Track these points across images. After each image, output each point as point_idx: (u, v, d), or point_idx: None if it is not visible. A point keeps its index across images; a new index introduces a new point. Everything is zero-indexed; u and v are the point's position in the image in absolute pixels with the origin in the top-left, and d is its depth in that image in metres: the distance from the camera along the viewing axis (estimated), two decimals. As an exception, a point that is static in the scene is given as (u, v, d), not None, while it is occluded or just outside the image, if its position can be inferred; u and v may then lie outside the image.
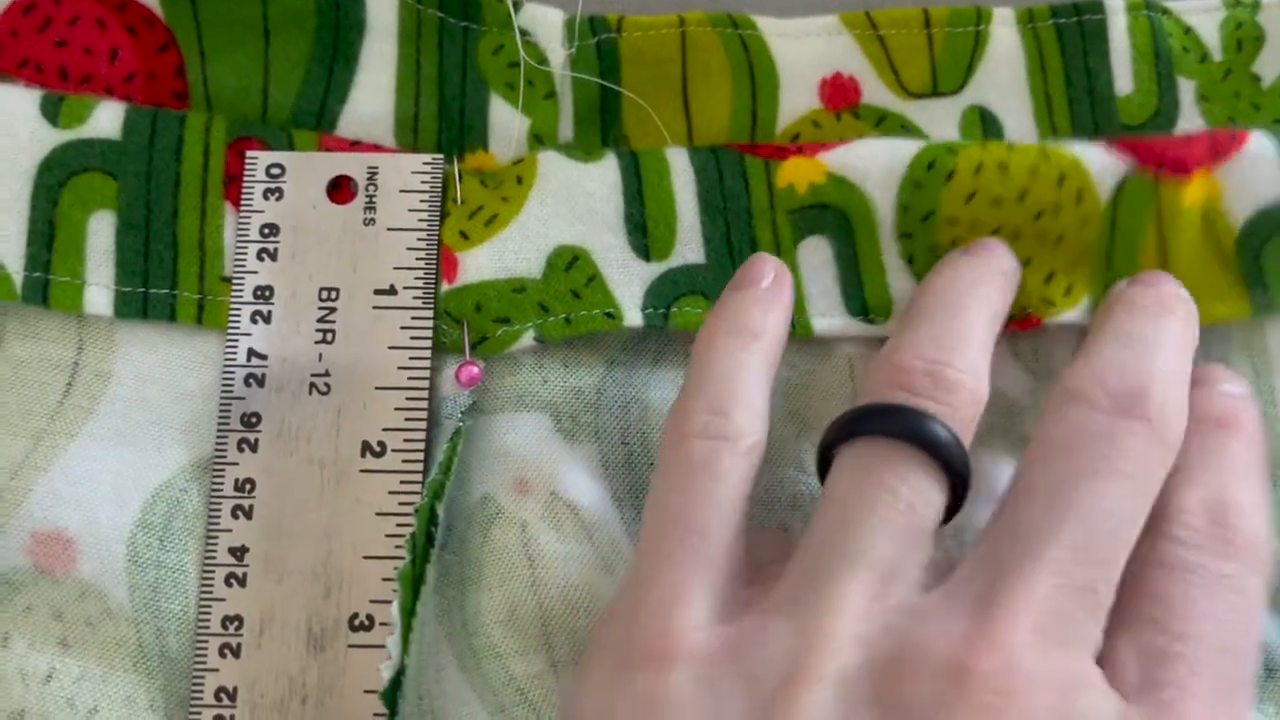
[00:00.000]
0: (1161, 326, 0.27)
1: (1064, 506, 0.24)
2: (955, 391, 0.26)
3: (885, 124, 0.32)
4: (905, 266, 0.30)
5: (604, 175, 0.30)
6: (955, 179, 0.30)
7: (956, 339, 0.27)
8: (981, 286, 0.28)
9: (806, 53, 0.32)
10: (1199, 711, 0.23)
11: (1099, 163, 0.30)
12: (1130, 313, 0.28)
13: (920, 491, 0.25)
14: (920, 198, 0.30)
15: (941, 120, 0.32)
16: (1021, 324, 0.30)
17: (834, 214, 0.30)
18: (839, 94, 0.32)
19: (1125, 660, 0.24)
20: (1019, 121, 0.32)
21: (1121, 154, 0.30)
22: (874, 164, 0.30)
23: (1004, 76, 0.32)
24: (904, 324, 0.28)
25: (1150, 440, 0.25)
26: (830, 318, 0.30)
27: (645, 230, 0.29)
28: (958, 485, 0.25)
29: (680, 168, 0.30)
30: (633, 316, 0.29)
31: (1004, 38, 0.32)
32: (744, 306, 0.27)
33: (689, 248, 0.30)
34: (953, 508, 0.26)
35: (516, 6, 0.31)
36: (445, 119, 0.31)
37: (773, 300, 0.28)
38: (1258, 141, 0.30)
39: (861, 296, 0.30)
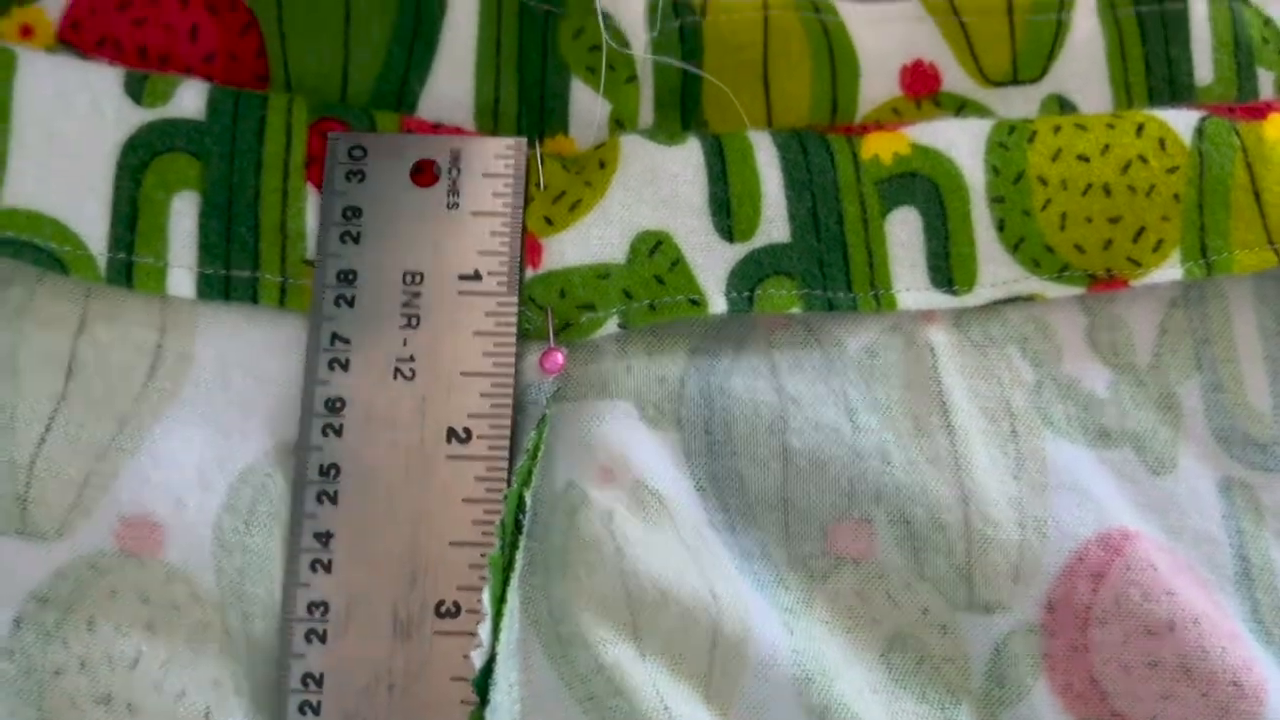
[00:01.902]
0: None
1: None
2: None
3: (965, 112, 0.32)
4: (995, 234, 0.30)
5: (687, 158, 0.30)
6: (1037, 139, 0.30)
7: None
8: None
9: (887, 39, 0.32)
10: None
11: (1172, 114, 0.30)
12: None
13: None
14: (1008, 159, 0.30)
15: (1021, 108, 0.32)
16: (1107, 284, 0.30)
17: (923, 182, 0.30)
18: (919, 81, 0.32)
19: None
20: (1098, 110, 0.32)
21: (1191, 109, 0.30)
22: (958, 134, 0.30)
23: (1084, 65, 0.32)
24: None
25: None
26: (915, 291, 0.30)
27: (729, 210, 0.29)
28: None
29: (764, 146, 0.30)
30: (717, 303, 0.29)
31: (1085, 25, 0.32)
32: None
33: (774, 226, 0.29)
34: None
35: (599, -11, 0.31)
36: (525, 102, 0.31)
37: None
38: None
39: (948, 268, 0.30)
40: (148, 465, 0.27)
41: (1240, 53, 0.32)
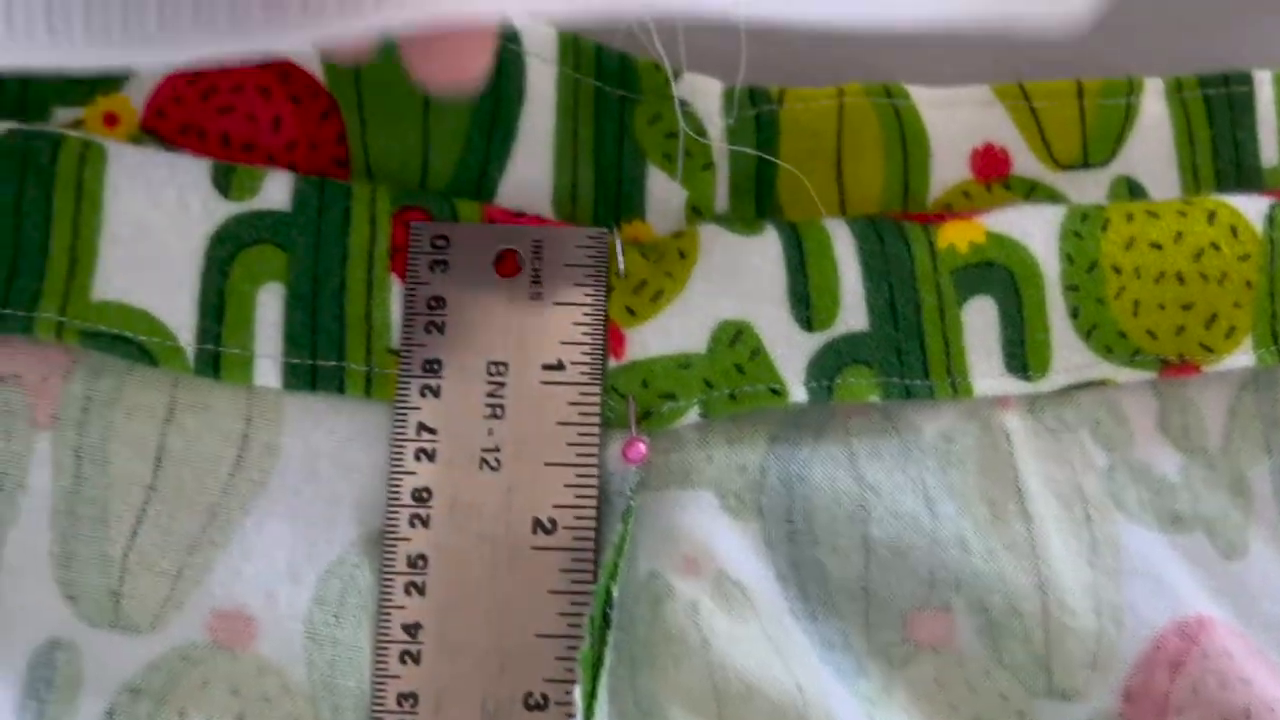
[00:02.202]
0: None
1: None
2: None
3: (1035, 195, 0.32)
4: (1070, 322, 0.30)
5: (765, 248, 0.30)
6: (1111, 227, 0.30)
7: None
8: None
9: (958, 122, 0.32)
10: None
11: (1242, 200, 0.31)
12: None
13: None
14: (1082, 247, 0.30)
15: (1091, 191, 0.32)
16: (1178, 370, 0.30)
17: (999, 271, 0.30)
18: (990, 164, 0.32)
19: None
20: (1166, 192, 0.32)
21: (1259, 196, 0.31)
22: (1032, 222, 0.30)
23: (1153, 148, 0.32)
24: None
25: None
26: (991, 378, 0.30)
27: (808, 301, 0.30)
28: None
29: (841, 236, 0.30)
30: (797, 392, 0.29)
31: (1153, 109, 0.32)
32: None
33: (852, 315, 0.30)
34: None
35: (675, 75, 0.31)
36: (602, 189, 0.31)
37: None
38: None
39: (1023, 355, 0.30)
40: (239, 558, 0.28)
41: None
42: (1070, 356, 0.30)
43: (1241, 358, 0.30)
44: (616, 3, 0.17)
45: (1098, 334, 0.30)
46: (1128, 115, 0.32)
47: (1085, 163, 0.32)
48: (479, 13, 0.17)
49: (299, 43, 0.19)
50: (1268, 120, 0.33)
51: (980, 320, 0.30)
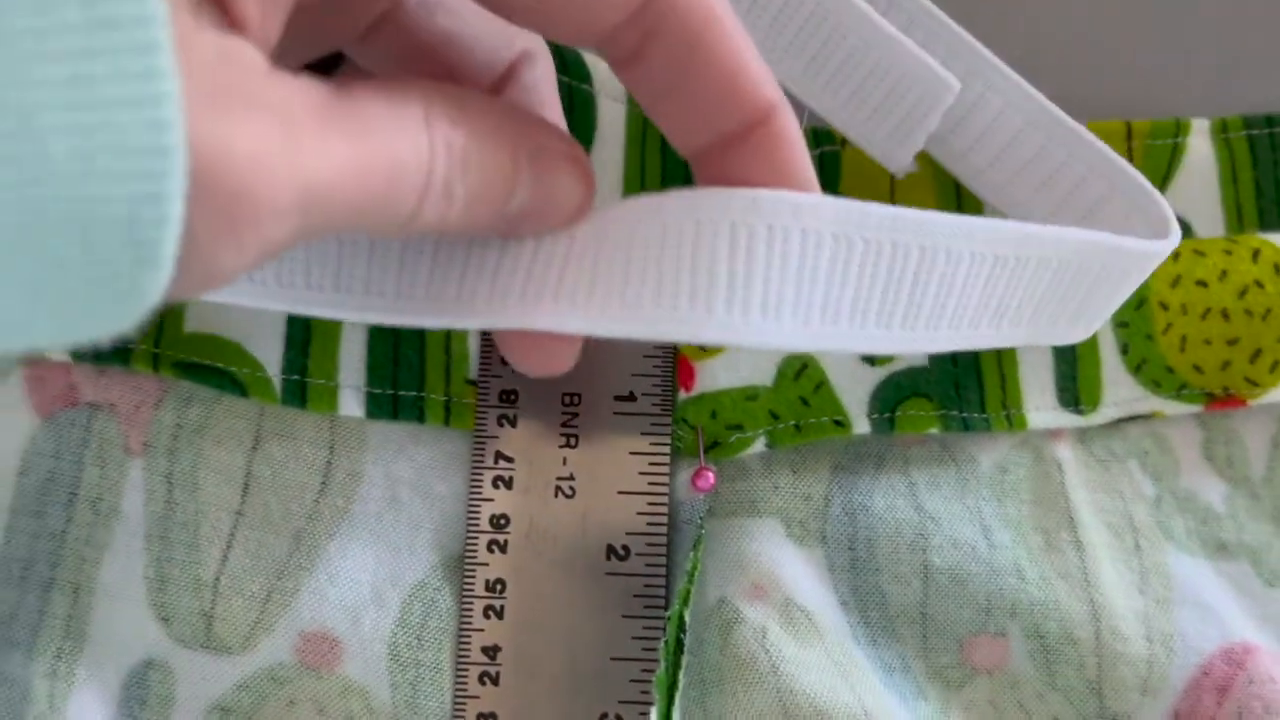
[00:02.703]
0: None
1: None
2: None
3: (1085, 232, 0.33)
4: (1120, 358, 0.31)
5: None
6: (1159, 265, 0.31)
7: None
8: None
9: None
10: None
11: None
12: None
13: None
14: None
15: (1139, 228, 0.33)
16: (1224, 403, 0.31)
17: None
18: (1042, 203, 0.33)
19: None
20: (1211, 230, 0.33)
21: None
22: None
23: (1198, 187, 0.33)
24: None
25: None
26: (1044, 412, 0.31)
27: None
28: None
29: None
30: (860, 424, 0.30)
31: (1199, 149, 0.33)
32: None
33: None
34: None
35: (740, 116, 0.32)
36: (669, 225, 0.32)
37: None
38: None
39: (1075, 390, 0.31)
40: (325, 582, 0.29)
41: None
42: (1120, 391, 0.31)
43: None
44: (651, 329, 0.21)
45: (1146, 369, 0.31)
46: (1174, 155, 0.33)
47: (1134, 201, 0.33)
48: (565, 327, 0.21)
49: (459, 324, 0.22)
50: (1310, 160, 0.34)
51: (1034, 356, 0.31)
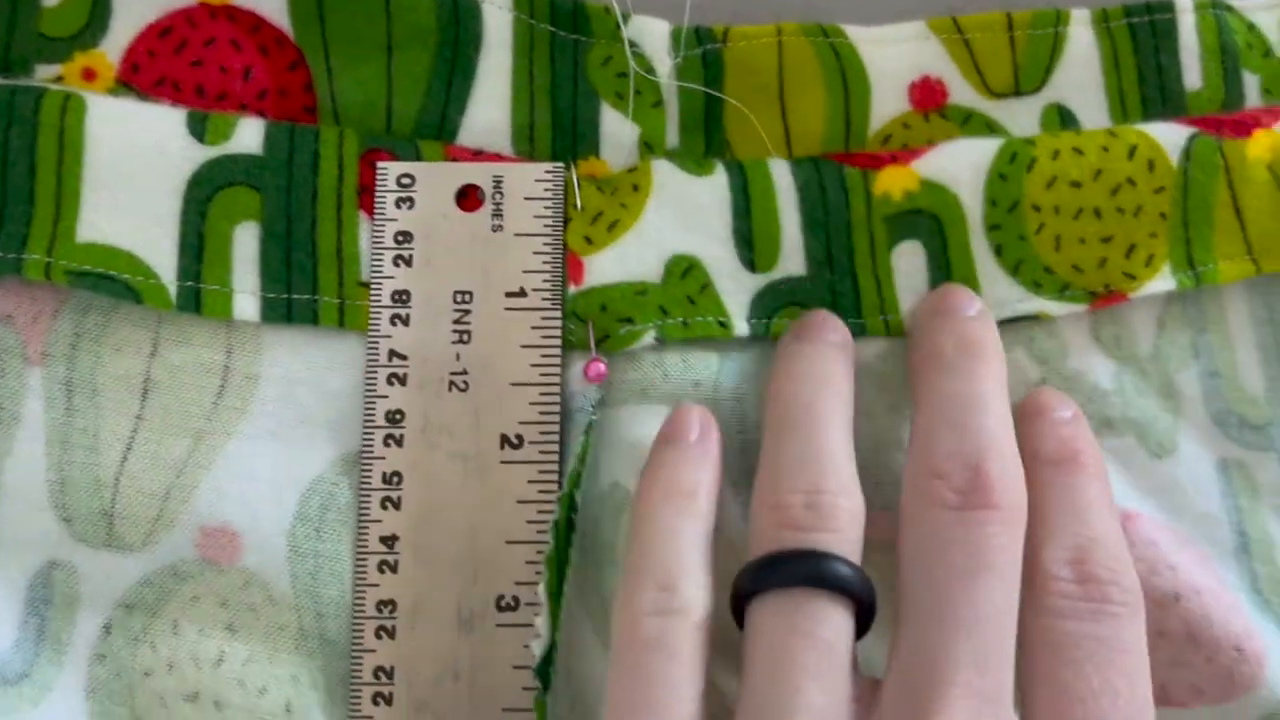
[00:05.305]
0: (974, 379, 0.29)
1: (952, 622, 0.26)
2: (836, 516, 0.27)
3: (970, 123, 0.34)
4: (994, 258, 0.32)
5: (713, 190, 0.32)
6: (1036, 167, 0.32)
7: (820, 457, 0.28)
8: (826, 383, 0.29)
9: (895, 58, 0.34)
10: None
11: (1164, 132, 0.32)
12: (941, 373, 0.29)
13: (835, 629, 0.26)
14: (1005, 190, 0.32)
15: (1023, 118, 0.34)
16: (1107, 300, 0.32)
17: (926, 218, 0.32)
18: (927, 96, 0.34)
19: None
20: (1095, 117, 0.34)
21: (1184, 124, 0.32)
22: (962, 165, 0.32)
23: (1081, 75, 0.34)
24: (766, 449, 0.29)
25: (1003, 523, 0.27)
26: None
27: (751, 244, 0.31)
28: (865, 605, 0.27)
29: (784, 185, 0.32)
30: (740, 326, 0.31)
31: (1080, 38, 0.34)
32: (676, 467, 0.29)
33: (791, 260, 0.31)
34: (863, 625, 0.27)
35: (625, 18, 0.33)
36: (559, 128, 0.33)
37: (703, 457, 0.29)
38: None
39: None
40: (224, 479, 0.29)
41: (1226, 58, 0.34)
42: (1000, 292, 0.32)
43: (1163, 283, 0.32)
44: None
45: (1024, 269, 0.32)
46: (1056, 44, 0.34)
47: (1017, 91, 0.34)
48: None
49: None
50: (1190, 46, 0.34)
51: (909, 264, 0.32)
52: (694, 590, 0.27)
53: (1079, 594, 0.27)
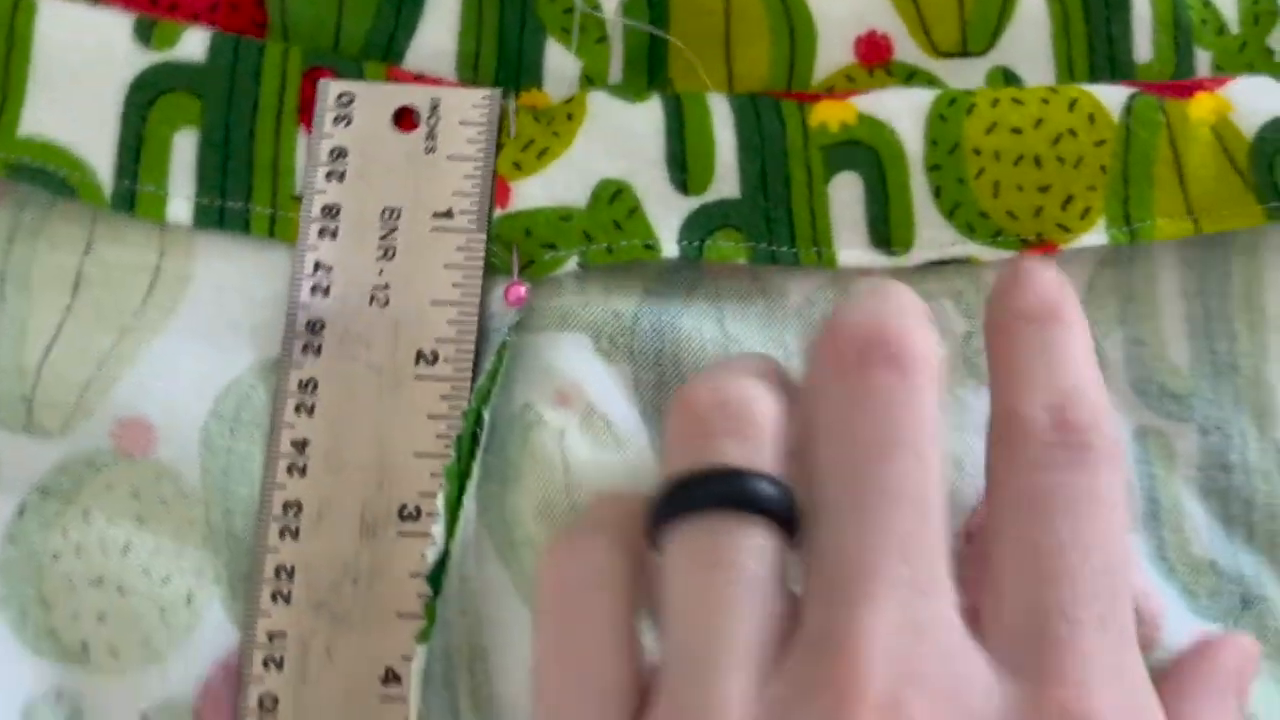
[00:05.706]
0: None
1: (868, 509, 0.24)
2: (748, 419, 0.25)
3: (915, 80, 0.34)
4: (932, 200, 0.32)
5: (649, 115, 0.32)
6: (975, 112, 0.32)
7: (730, 368, 0.27)
8: None
9: (843, 10, 0.34)
10: (1092, 645, 0.23)
11: (1105, 91, 0.32)
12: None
13: (758, 551, 0.24)
14: (946, 131, 0.32)
15: (969, 79, 0.34)
16: (1038, 249, 0.32)
17: (865, 151, 0.32)
18: (872, 50, 0.34)
19: (1005, 616, 0.24)
20: (1041, 84, 0.34)
21: (1125, 85, 0.33)
22: (902, 105, 0.32)
23: (1029, 40, 0.34)
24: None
25: (908, 390, 0.25)
26: (855, 250, 0.32)
27: (685, 166, 0.32)
28: (789, 520, 0.24)
29: (721, 111, 0.32)
30: (669, 248, 0.31)
31: (1031, 2, 0.34)
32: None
33: (725, 183, 0.32)
34: (792, 528, 0.25)
35: (574, -46, 0.33)
36: (503, 58, 0.33)
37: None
38: (1249, 78, 0.33)
39: (886, 230, 0.32)
40: (145, 373, 0.30)
41: (1179, 33, 0.34)
42: (933, 234, 0.32)
43: (1096, 236, 0.32)
44: None
45: (959, 213, 0.32)
46: (1005, 7, 0.34)
47: (964, 51, 0.34)
48: None
49: None
50: (1143, 17, 0.34)
51: (846, 195, 0.32)
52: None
53: (1056, 440, 0.25)
